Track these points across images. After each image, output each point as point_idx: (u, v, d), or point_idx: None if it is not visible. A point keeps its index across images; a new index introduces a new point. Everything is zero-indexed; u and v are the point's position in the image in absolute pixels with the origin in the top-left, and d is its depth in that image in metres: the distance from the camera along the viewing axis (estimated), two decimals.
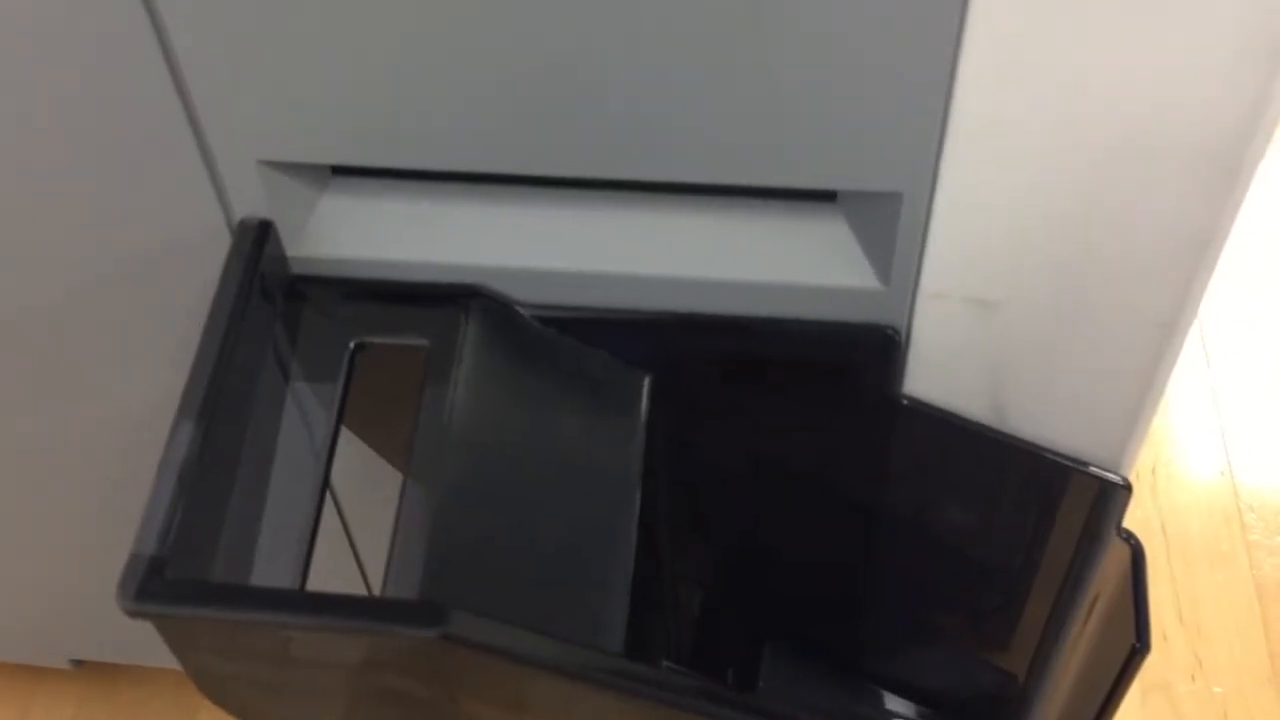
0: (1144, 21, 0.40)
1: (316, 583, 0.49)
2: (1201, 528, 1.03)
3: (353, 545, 0.73)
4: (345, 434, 0.53)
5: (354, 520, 0.71)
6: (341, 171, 0.54)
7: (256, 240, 0.51)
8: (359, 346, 0.53)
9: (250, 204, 0.51)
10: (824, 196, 0.52)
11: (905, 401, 0.55)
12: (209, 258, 0.52)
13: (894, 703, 0.73)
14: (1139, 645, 0.54)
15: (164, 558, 0.43)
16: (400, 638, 0.42)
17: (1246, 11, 0.39)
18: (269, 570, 0.49)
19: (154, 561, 0.43)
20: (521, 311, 0.53)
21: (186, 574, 0.44)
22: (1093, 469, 0.55)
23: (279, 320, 0.53)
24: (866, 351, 0.53)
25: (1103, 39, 0.41)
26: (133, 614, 0.43)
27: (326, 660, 0.47)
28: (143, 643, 0.85)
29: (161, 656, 0.86)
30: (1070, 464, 0.55)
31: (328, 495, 0.57)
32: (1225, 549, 1.02)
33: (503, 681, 0.46)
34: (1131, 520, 0.56)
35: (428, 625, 0.42)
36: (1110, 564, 0.58)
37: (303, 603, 0.44)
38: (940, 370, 0.54)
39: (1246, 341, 1.18)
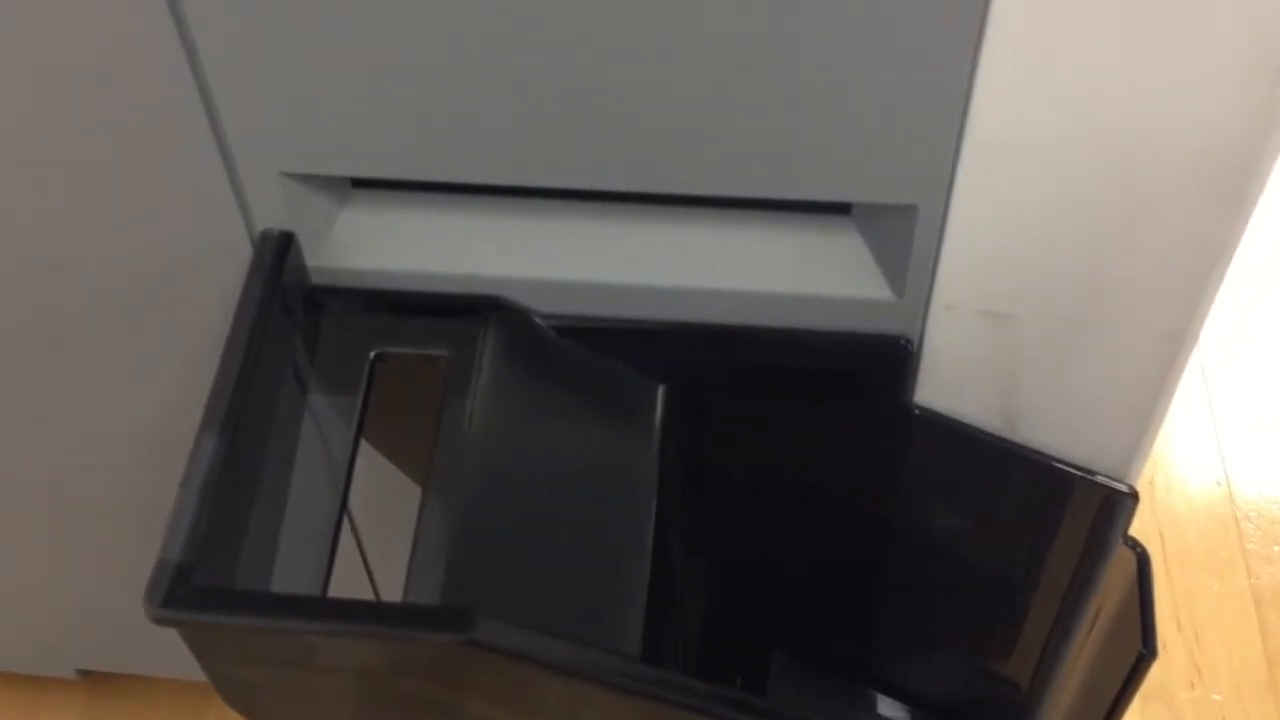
0: (1155, 40, 0.41)
1: (330, 593, 0.49)
2: (1199, 537, 1.04)
3: (363, 555, 0.73)
4: (360, 445, 0.53)
5: (365, 530, 0.71)
6: (362, 184, 0.54)
7: (278, 251, 0.51)
8: (379, 356, 0.53)
9: (272, 216, 0.51)
10: (839, 209, 0.53)
11: (917, 411, 0.56)
12: (231, 268, 0.52)
13: (901, 710, 0.74)
14: (1145, 651, 0.54)
15: (190, 565, 0.44)
16: (426, 643, 0.43)
17: (1255, 29, 0.40)
18: (291, 579, 0.50)
19: (180, 568, 0.44)
20: (540, 322, 0.54)
21: (211, 582, 0.45)
22: (1100, 478, 0.55)
23: (300, 330, 0.53)
24: (880, 362, 0.54)
25: (1115, 57, 0.42)
26: (160, 621, 0.43)
27: (348, 666, 0.47)
28: (149, 653, 0.86)
29: (167, 666, 0.87)
30: (1078, 473, 0.56)
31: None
32: (1223, 558, 1.03)
33: (522, 686, 0.46)
34: (1130, 529, 0.57)
35: (454, 630, 0.42)
36: (1115, 572, 0.58)
37: (329, 609, 0.44)
38: (952, 380, 0.54)
39: (1242, 354, 1.19)
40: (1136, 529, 0.56)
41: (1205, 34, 0.41)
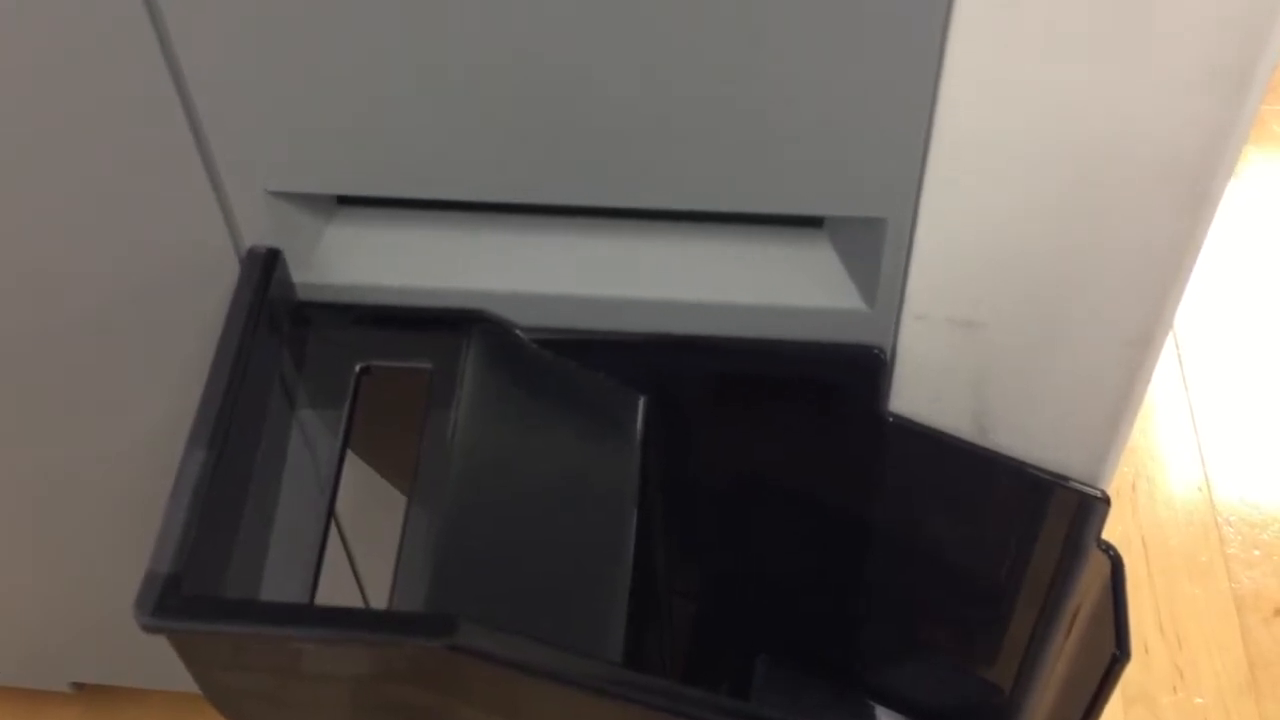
0: (1117, 53, 0.42)
1: (318, 601, 0.50)
2: (1181, 542, 1.05)
3: (353, 565, 0.73)
4: (346, 456, 0.54)
5: (353, 540, 0.72)
6: (347, 201, 0.55)
7: (265, 268, 0.52)
8: (364, 369, 0.54)
9: (259, 233, 0.52)
10: (812, 222, 0.54)
11: (891, 419, 0.57)
12: (218, 285, 0.53)
13: (885, 715, 0.74)
14: (1119, 653, 0.55)
15: (180, 574, 0.44)
16: (410, 649, 0.44)
17: (1214, 38, 0.41)
18: (279, 588, 0.50)
19: (170, 578, 0.44)
20: (521, 335, 0.55)
21: (200, 591, 0.45)
22: (1073, 483, 0.56)
23: (287, 344, 0.54)
24: (853, 371, 0.54)
25: (1077, 70, 0.43)
26: (150, 630, 0.44)
27: (336, 673, 0.48)
28: (143, 665, 0.87)
29: (161, 678, 0.88)
30: (1051, 478, 0.56)
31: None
32: (1204, 562, 1.03)
33: (507, 691, 0.47)
34: (1112, 535, 0.57)
35: (436, 636, 0.43)
36: (1090, 576, 0.59)
37: (315, 616, 0.45)
38: (925, 388, 0.55)
39: (1223, 361, 1.20)
40: (1118, 535, 0.57)
41: (1166, 44, 0.42)
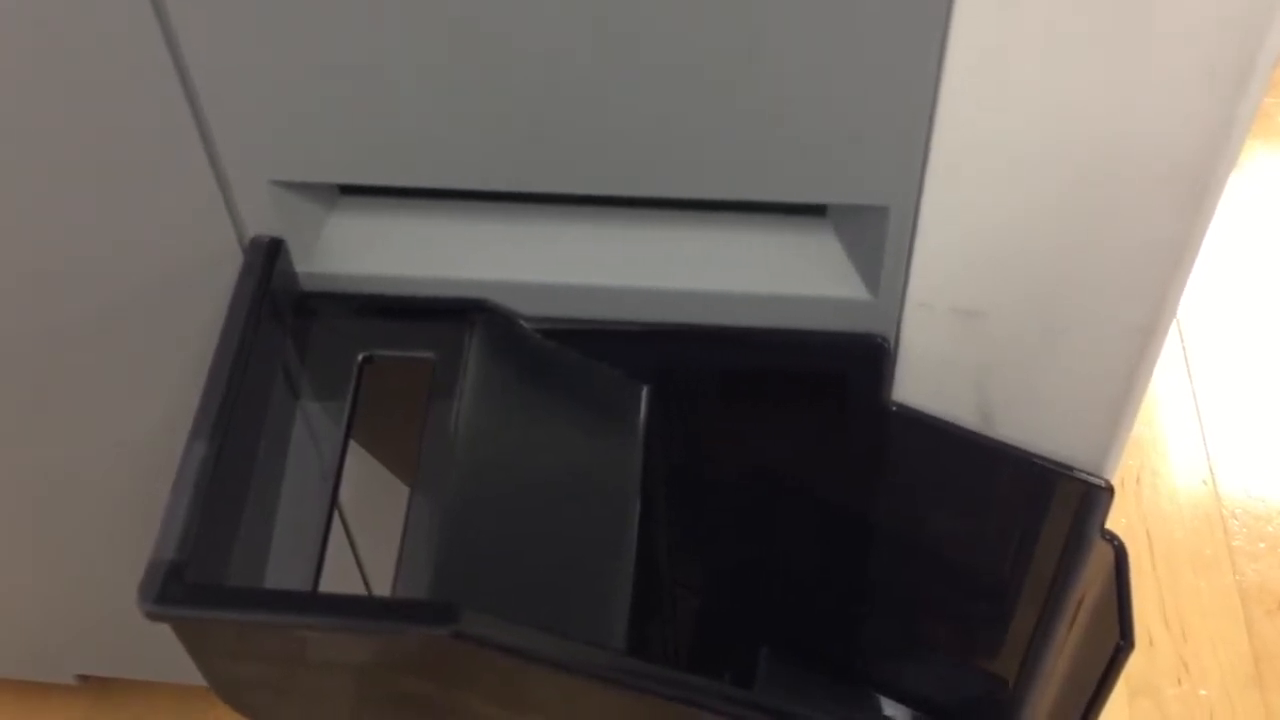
0: (1119, 44, 0.42)
1: (322, 589, 0.50)
2: (1185, 534, 1.05)
3: (356, 554, 0.74)
4: (349, 445, 0.54)
5: (356, 529, 0.72)
6: (349, 190, 0.55)
7: (268, 258, 0.52)
8: (367, 359, 0.54)
9: (262, 222, 0.52)
10: (815, 210, 0.54)
11: (894, 408, 0.56)
12: (221, 274, 0.53)
13: (888, 707, 0.74)
14: (1123, 642, 0.55)
15: (183, 562, 0.44)
16: (413, 637, 0.44)
17: (1215, 37, 0.41)
18: (282, 577, 0.50)
19: (173, 566, 0.44)
20: (524, 325, 0.55)
21: (204, 580, 0.45)
22: (1076, 472, 0.56)
23: (289, 334, 0.54)
24: (856, 360, 0.54)
25: (1079, 61, 0.43)
26: (154, 617, 0.44)
27: (340, 662, 0.48)
28: (148, 657, 0.87)
29: (166, 670, 0.88)
30: (1054, 467, 0.56)
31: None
32: (1209, 554, 1.03)
33: (510, 680, 0.47)
34: (1117, 527, 0.57)
35: (439, 623, 0.43)
36: (1094, 566, 0.59)
37: (318, 604, 0.45)
38: (928, 377, 0.55)
39: (1228, 352, 1.19)
40: (1123, 527, 0.57)
41: (1166, 44, 0.42)
